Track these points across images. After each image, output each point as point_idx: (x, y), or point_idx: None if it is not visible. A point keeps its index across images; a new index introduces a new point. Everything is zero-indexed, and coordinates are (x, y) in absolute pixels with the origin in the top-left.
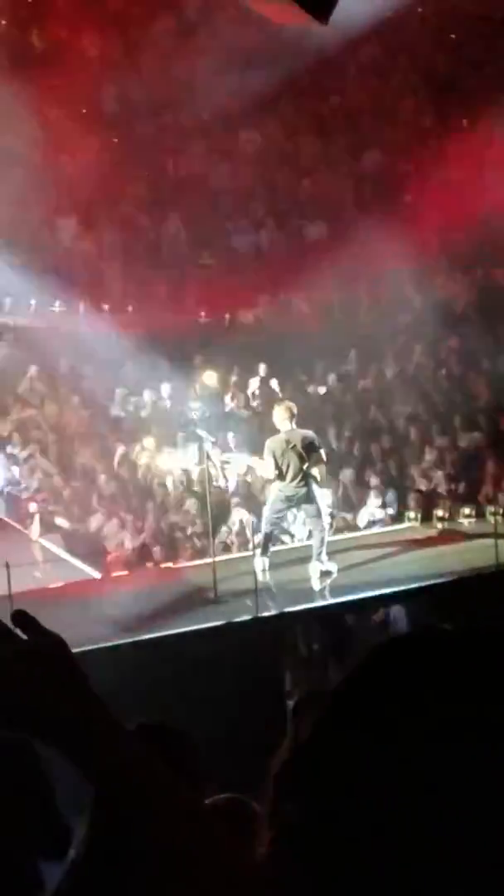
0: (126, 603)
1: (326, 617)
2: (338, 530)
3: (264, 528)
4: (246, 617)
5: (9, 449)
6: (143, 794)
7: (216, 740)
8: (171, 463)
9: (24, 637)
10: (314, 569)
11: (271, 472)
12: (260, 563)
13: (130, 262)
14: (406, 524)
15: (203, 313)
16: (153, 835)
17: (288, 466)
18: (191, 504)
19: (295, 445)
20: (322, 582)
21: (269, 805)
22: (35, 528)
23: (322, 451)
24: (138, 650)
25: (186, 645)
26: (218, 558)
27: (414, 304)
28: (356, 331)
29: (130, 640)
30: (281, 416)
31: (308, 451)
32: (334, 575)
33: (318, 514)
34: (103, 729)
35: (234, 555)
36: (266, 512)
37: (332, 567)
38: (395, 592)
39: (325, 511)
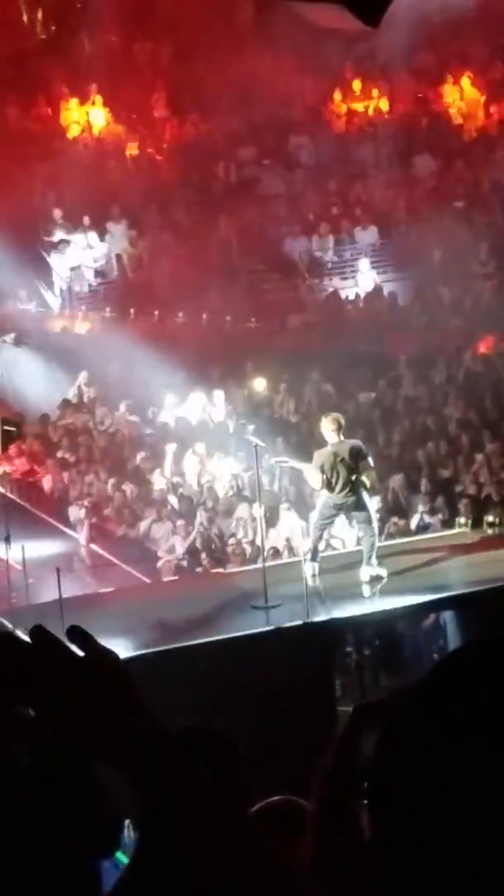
0: (176, 608)
1: (376, 622)
2: (389, 535)
3: (313, 534)
4: (296, 622)
5: (59, 454)
6: (188, 806)
7: (266, 744)
8: (221, 468)
9: (80, 653)
10: (365, 573)
11: (319, 485)
12: (309, 568)
13: (180, 267)
14: (456, 529)
15: (254, 319)
16: (198, 842)
17: (337, 478)
18: (241, 509)
19: (343, 458)
20: (372, 587)
21: (317, 809)
22: (84, 533)
23: (370, 459)
24: (188, 655)
25: (236, 650)
26: (268, 563)
27: (465, 309)
28: (406, 336)
29: (180, 644)
30: (328, 429)
31: (356, 460)
32: (385, 580)
33: (368, 521)
34: (153, 747)
35: (285, 560)
36: (314, 518)
37: (383, 572)
38: (445, 598)
39: (375, 516)
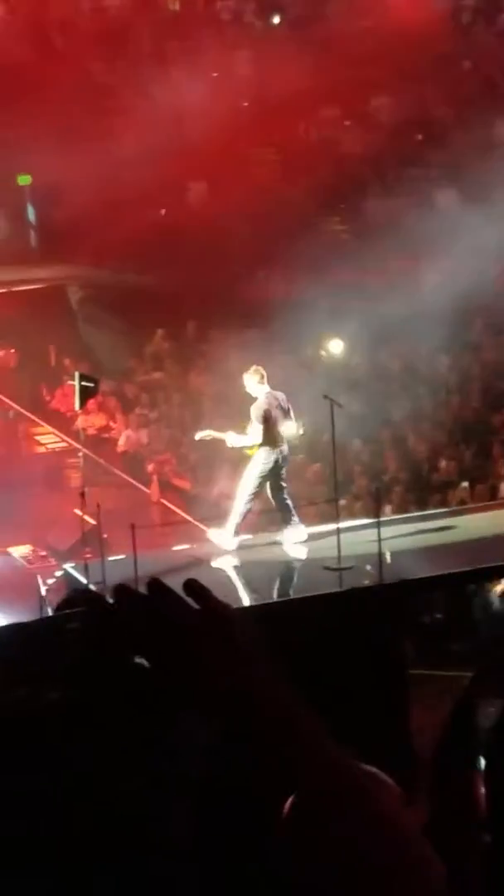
0: (247, 568)
1: (449, 586)
2: (461, 501)
3: (244, 505)
4: (368, 584)
5: (137, 410)
6: (305, 758)
7: (338, 706)
8: (297, 428)
9: (196, 606)
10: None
11: (259, 438)
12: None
13: (260, 226)
14: None
15: (332, 279)
16: (310, 788)
17: (273, 429)
18: (315, 469)
19: (279, 406)
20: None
21: (434, 778)
22: (155, 490)
23: (291, 412)
24: (259, 616)
25: (308, 611)
26: (342, 524)
27: None
28: (483, 300)
29: (251, 605)
30: (253, 381)
31: (286, 412)
32: (301, 541)
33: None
34: (273, 696)
35: (358, 521)
36: (253, 485)
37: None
38: None
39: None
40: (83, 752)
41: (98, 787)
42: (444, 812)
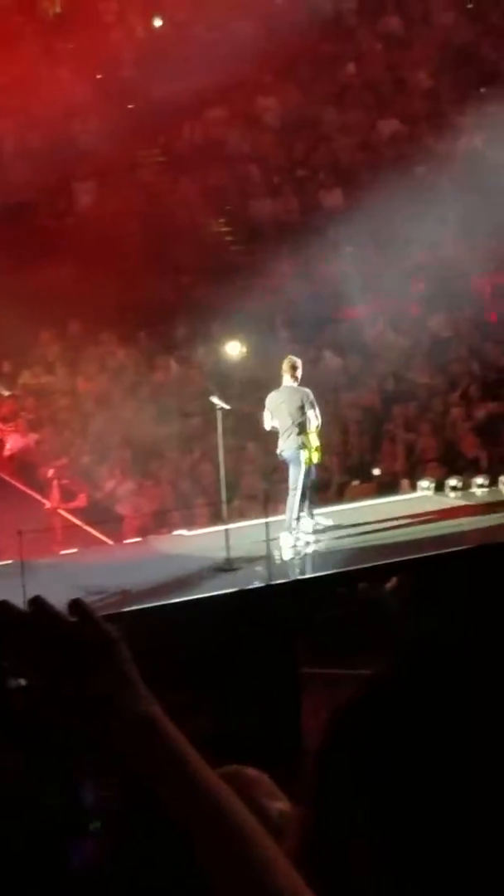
0: (138, 570)
1: (340, 584)
2: (351, 497)
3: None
4: (259, 584)
5: (23, 415)
6: (168, 786)
7: (225, 709)
8: (187, 429)
9: (73, 620)
10: (285, 539)
11: (268, 426)
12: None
13: (146, 227)
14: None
15: (218, 282)
16: (178, 815)
17: (279, 424)
18: (205, 470)
19: (283, 402)
20: (293, 553)
21: (311, 785)
22: (51, 495)
23: (314, 411)
24: (150, 617)
25: (198, 612)
26: (231, 525)
27: (429, 273)
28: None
29: (140, 606)
30: (282, 369)
31: (300, 409)
32: (305, 547)
33: (293, 479)
34: (141, 717)
35: (248, 522)
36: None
37: (300, 541)
38: (408, 560)
39: (301, 477)
40: None
41: None
42: (324, 816)
